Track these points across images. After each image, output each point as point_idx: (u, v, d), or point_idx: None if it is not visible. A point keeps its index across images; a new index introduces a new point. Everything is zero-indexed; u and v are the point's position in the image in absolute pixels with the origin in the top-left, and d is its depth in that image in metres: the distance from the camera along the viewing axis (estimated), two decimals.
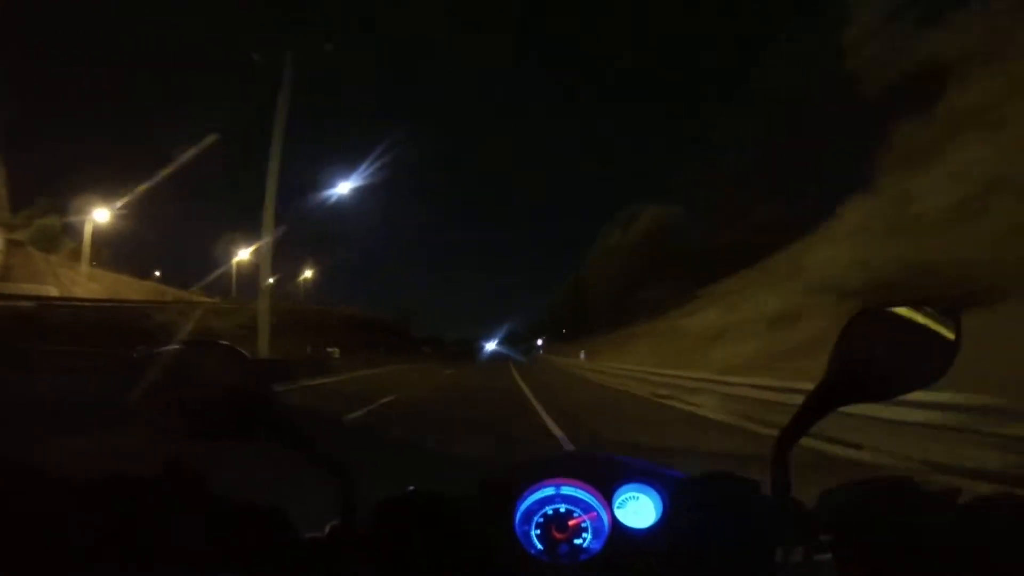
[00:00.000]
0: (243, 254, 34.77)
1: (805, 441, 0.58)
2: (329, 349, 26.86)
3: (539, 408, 8.76)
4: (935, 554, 0.49)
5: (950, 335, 0.54)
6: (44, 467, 0.48)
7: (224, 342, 0.58)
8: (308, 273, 46.24)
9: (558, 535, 0.64)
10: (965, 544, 0.47)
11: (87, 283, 25.73)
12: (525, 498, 0.67)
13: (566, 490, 0.67)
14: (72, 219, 28.55)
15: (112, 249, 32.12)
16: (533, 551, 0.63)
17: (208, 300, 32.18)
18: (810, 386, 0.57)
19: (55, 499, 0.47)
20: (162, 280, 36.56)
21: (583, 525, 0.65)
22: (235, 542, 0.54)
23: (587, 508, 0.66)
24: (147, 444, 0.58)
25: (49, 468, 0.48)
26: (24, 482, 0.47)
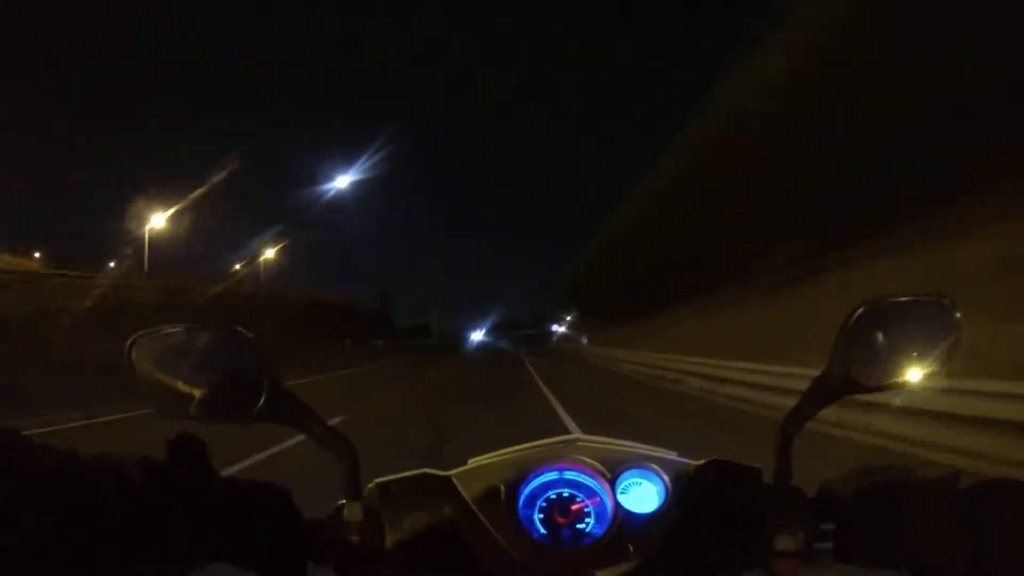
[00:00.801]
0: (157, 221, 28.17)
1: None
2: None
3: None
4: (935, 544, 0.51)
5: (951, 328, 0.57)
6: (45, 449, 0.46)
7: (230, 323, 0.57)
8: (270, 253, 39.50)
9: (561, 520, 0.65)
10: (966, 532, 0.49)
11: None
12: (528, 482, 0.67)
13: (569, 475, 0.68)
14: None
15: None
16: (536, 535, 0.64)
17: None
18: None
19: (57, 481, 0.45)
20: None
21: (586, 510, 0.66)
22: (239, 524, 0.53)
23: (590, 493, 0.67)
24: (151, 426, 0.57)
25: (50, 450, 0.46)
26: (25, 463, 0.45)
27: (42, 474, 0.43)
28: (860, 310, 0.58)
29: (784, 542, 0.57)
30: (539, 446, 0.72)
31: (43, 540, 0.41)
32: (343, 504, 0.59)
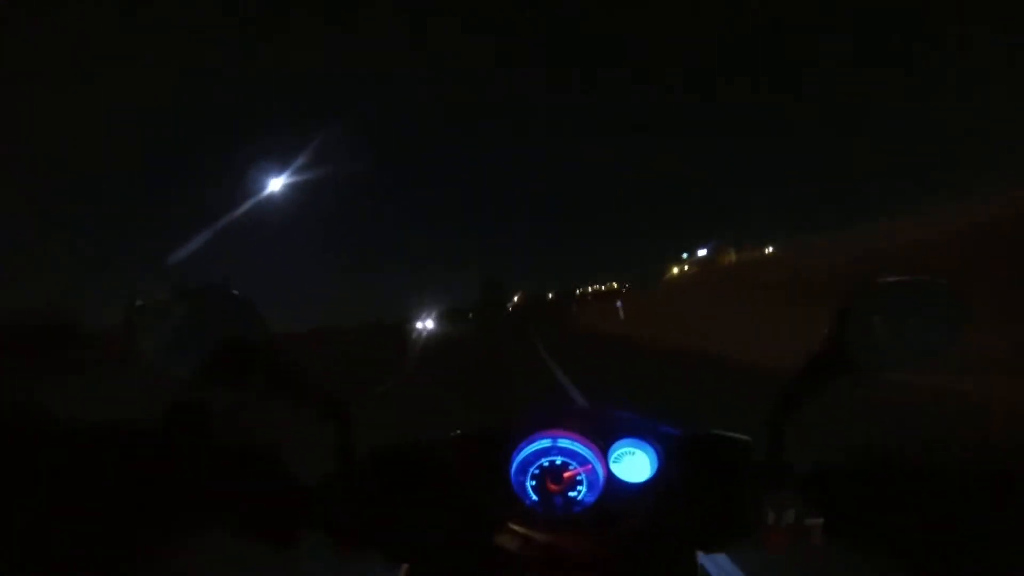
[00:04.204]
0: None
1: None
2: None
3: None
4: (923, 525, 0.50)
5: (951, 311, 0.54)
6: (46, 412, 0.48)
7: (228, 290, 0.58)
8: None
9: (553, 487, 0.66)
10: (955, 515, 0.49)
11: None
12: (521, 449, 0.68)
13: (563, 442, 0.68)
14: None
15: None
16: (528, 502, 0.65)
17: None
18: None
19: (56, 444, 0.47)
20: None
21: (578, 478, 0.66)
22: (232, 490, 0.55)
23: (583, 461, 0.67)
24: (150, 390, 0.59)
25: (47, 416, 0.48)
26: (25, 425, 0.47)
27: (39, 440, 0.45)
28: (859, 290, 0.56)
29: (775, 516, 0.57)
30: (533, 412, 0.72)
31: (42, 507, 0.43)
32: (338, 470, 0.61)
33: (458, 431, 0.70)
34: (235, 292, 0.57)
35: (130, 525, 0.47)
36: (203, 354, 0.56)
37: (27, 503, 0.43)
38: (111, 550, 0.46)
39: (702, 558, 0.62)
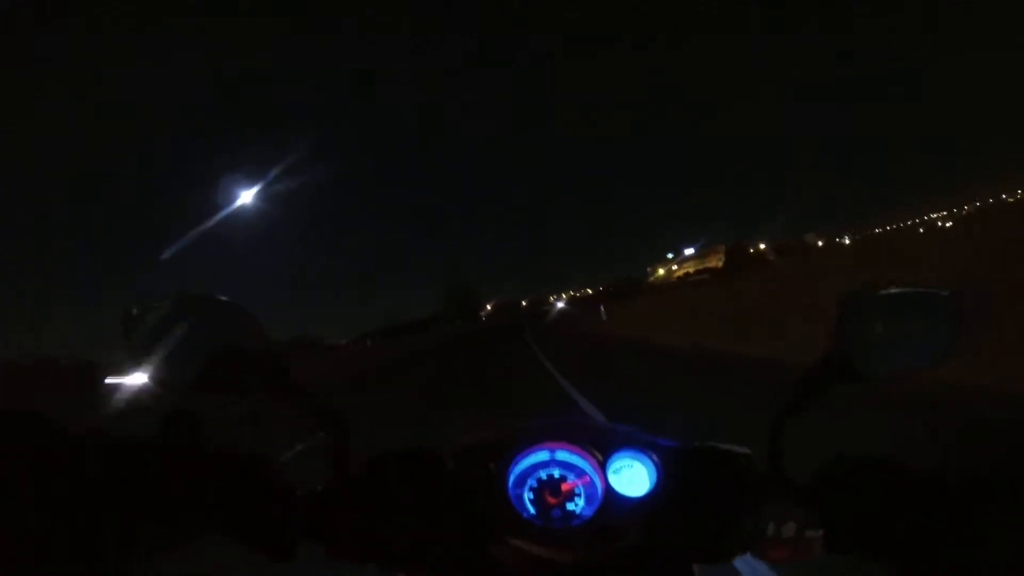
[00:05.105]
0: None
1: None
2: None
3: None
4: (925, 538, 0.50)
5: (951, 320, 0.55)
6: (40, 425, 0.47)
7: (224, 298, 0.57)
8: None
9: (551, 500, 0.65)
10: (956, 528, 0.49)
11: None
12: (519, 461, 0.67)
13: (561, 455, 0.68)
14: None
15: None
16: (526, 515, 0.64)
17: None
18: None
19: (50, 450, 0.46)
20: None
21: (576, 491, 0.66)
22: (230, 497, 0.54)
23: (580, 474, 0.67)
24: (147, 398, 0.58)
25: (45, 425, 0.47)
26: (22, 432, 0.46)
27: (35, 451, 0.44)
28: (859, 298, 0.56)
29: (776, 529, 0.57)
30: (532, 424, 0.72)
31: (40, 515, 0.42)
32: (333, 479, 0.60)
33: (456, 441, 0.70)
34: (236, 303, 0.56)
35: (128, 532, 0.47)
36: (200, 362, 0.55)
37: (25, 508, 0.43)
38: (104, 557, 0.46)
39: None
